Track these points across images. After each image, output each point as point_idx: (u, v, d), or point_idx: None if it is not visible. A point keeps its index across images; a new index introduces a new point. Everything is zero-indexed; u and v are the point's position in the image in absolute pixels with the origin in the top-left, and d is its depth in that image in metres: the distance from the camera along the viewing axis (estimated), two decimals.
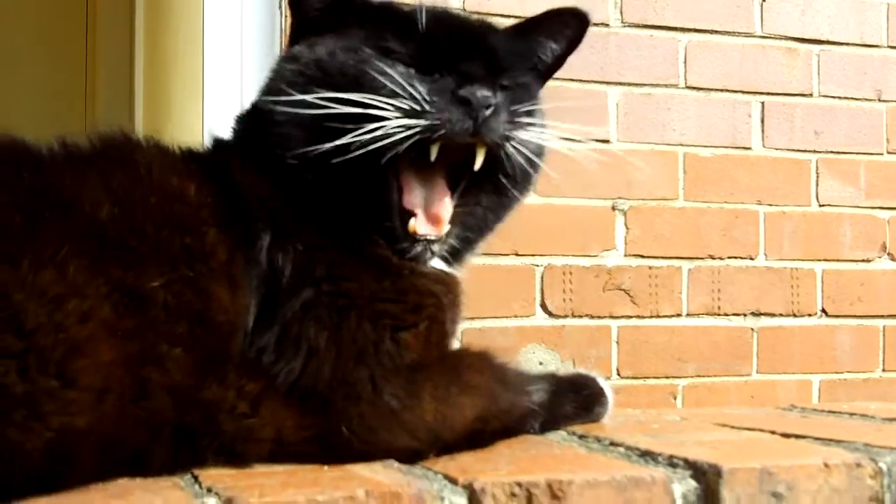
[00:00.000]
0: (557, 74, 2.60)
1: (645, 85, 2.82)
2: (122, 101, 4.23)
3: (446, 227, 1.50)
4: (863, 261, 3.01)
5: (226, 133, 1.61)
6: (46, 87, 4.79)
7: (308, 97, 1.38)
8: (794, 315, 2.93)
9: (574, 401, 1.66)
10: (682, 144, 2.85)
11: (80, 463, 1.15)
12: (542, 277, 2.67)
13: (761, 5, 2.94)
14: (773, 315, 2.90)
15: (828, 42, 3.00)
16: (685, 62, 2.87)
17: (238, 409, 1.28)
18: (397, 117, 1.35)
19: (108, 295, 1.17)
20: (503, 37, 1.58)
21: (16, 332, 1.10)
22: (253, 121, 1.52)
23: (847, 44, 3.02)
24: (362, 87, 1.38)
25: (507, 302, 2.63)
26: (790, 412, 1.87)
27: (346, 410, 1.31)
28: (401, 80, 1.38)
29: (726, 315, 2.86)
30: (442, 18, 1.53)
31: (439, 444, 1.36)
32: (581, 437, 1.49)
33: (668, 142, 2.84)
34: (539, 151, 1.57)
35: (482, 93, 1.39)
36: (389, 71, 1.40)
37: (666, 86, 2.85)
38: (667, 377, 2.78)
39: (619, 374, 2.74)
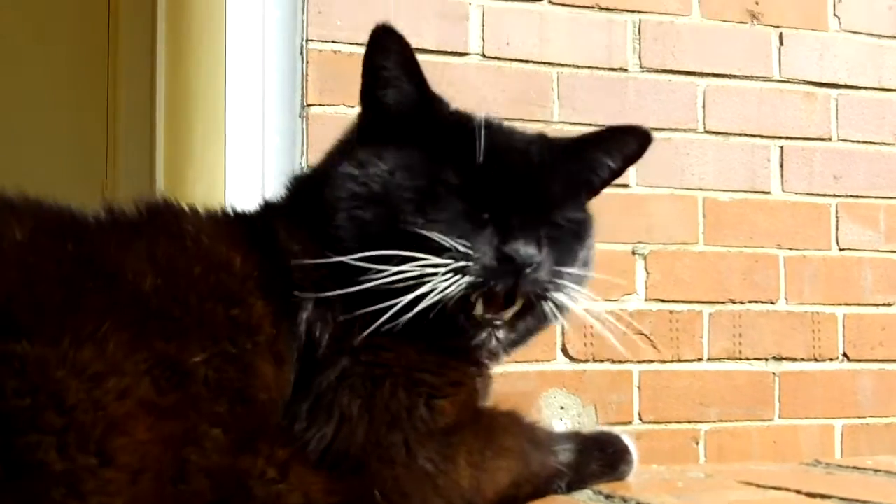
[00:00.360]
0: (576, 119, 2.65)
1: (664, 129, 2.85)
2: (143, 149, 4.31)
3: (509, 312, 1.48)
4: (884, 304, 3.02)
5: (275, 192, 1.62)
6: (69, 133, 4.92)
7: (364, 255, 1.36)
8: (816, 359, 2.94)
9: (599, 459, 1.65)
10: (701, 189, 2.87)
11: None
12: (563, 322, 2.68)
13: (779, 50, 2.98)
14: (794, 360, 2.92)
15: (846, 86, 3.04)
16: (704, 107, 2.90)
17: (267, 474, 1.27)
18: (444, 273, 1.35)
19: (148, 371, 1.17)
20: (559, 162, 1.56)
21: (56, 408, 1.10)
22: (308, 196, 1.51)
23: (865, 88, 3.06)
24: (412, 240, 1.37)
25: (528, 346, 2.63)
26: (814, 468, 1.88)
27: (381, 474, 1.31)
28: (450, 232, 1.38)
29: (748, 360, 2.87)
30: (499, 144, 1.49)
31: None
32: (607, 496, 1.50)
33: (687, 186, 2.87)
34: (579, 290, 1.56)
35: (526, 250, 1.39)
36: (440, 217, 1.40)
37: (685, 130, 2.88)
38: (689, 422, 2.79)
39: (640, 419, 2.75)
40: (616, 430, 1.81)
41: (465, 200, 1.42)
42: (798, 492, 1.50)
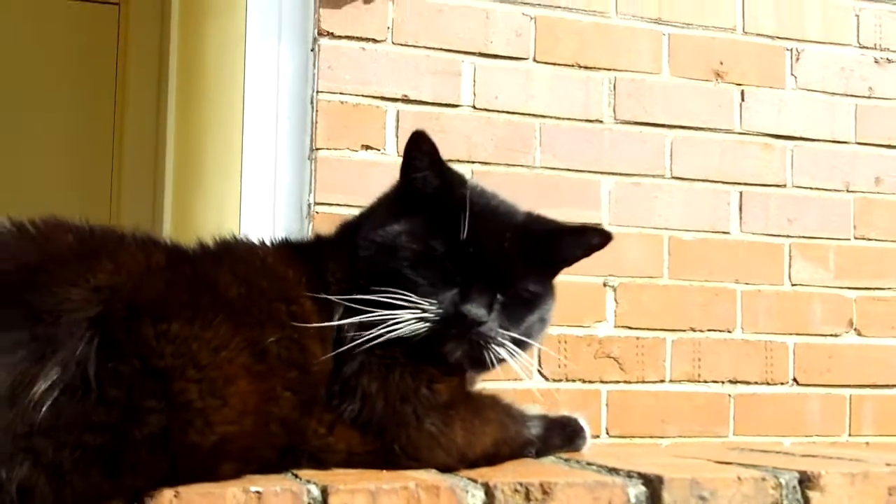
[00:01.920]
0: (556, 165, 2.92)
1: (634, 175, 3.11)
2: (147, 184, 4.51)
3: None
4: (831, 335, 3.27)
5: (325, 231, 2.08)
6: (74, 172, 5.04)
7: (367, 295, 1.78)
8: (768, 383, 3.19)
9: (561, 435, 2.07)
10: (667, 228, 3.13)
11: (229, 462, 1.58)
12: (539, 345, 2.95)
13: (741, 105, 3.23)
14: (748, 383, 3.17)
15: (801, 138, 3.28)
16: (671, 155, 3.16)
17: (319, 431, 1.72)
18: (414, 315, 1.77)
19: (243, 348, 1.61)
20: (529, 246, 1.91)
21: (195, 367, 1.54)
22: (349, 234, 1.94)
23: (818, 140, 3.30)
24: (402, 284, 1.79)
25: (506, 366, 2.91)
26: (733, 451, 2.23)
27: (398, 434, 1.74)
28: (426, 288, 1.80)
29: (706, 382, 3.13)
30: (480, 226, 1.86)
31: (466, 462, 1.78)
32: (566, 459, 1.90)
33: (654, 226, 3.12)
34: (518, 350, 1.92)
35: (477, 311, 1.79)
36: (422, 280, 1.81)
37: (653, 176, 3.13)
38: (651, 437, 3.05)
39: (608, 433, 3.01)
40: (575, 414, 2.15)
41: (445, 265, 1.82)
42: (710, 460, 1.87)
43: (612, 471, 1.66)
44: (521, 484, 1.53)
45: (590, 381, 3.01)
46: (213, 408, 1.54)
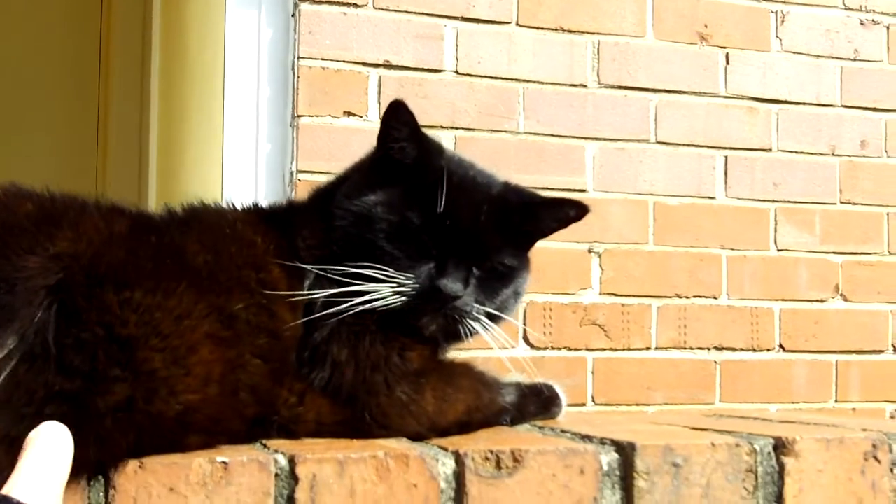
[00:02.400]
0: (540, 130, 2.90)
1: (619, 140, 3.09)
2: (133, 152, 4.50)
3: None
4: (817, 301, 3.26)
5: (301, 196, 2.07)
6: (59, 139, 5.03)
7: (343, 266, 1.75)
8: (754, 350, 3.19)
9: (536, 402, 2.03)
10: (652, 194, 3.11)
11: (196, 433, 1.54)
12: (524, 313, 2.94)
13: (725, 68, 3.22)
14: (734, 349, 3.16)
15: (786, 102, 3.27)
16: (656, 120, 3.14)
17: (290, 401, 1.69)
18: (391, 288, 1.74)
19: (209, 315, 1.57)
20: (506, 217, 1.89)
21: (157, 335, 1.50)
22: (322, 201, 1.89)
23: (804, 103, 3.29)
24: (378, 256, 1.77)
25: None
26: (711, 417, 2.22)
27: (368, 403, 1.70)
28: (403, 261, 1.77)
29: (691, 349, 3.12)
30: (457, 198, 1.83)
31: (437, 430, 1.74)
32: (540, 427, 1.86)
33: (639, 191, 3.10)
34: (491, 324, 1.89)
35: (453, 286, 1.76)
36: (398, 252, 1.77)
37: (638, 141, 3.12)
38: (637, 404, 3.05)
39: (593, 401, 3.01)
40: (551, 381, 2.11)
41: (421, 238, 1.79)
42: (686, 426, 1.86)
43: (586, 438, 1.64)
44: (491, 451, 1.51)
45: (575, 349, 3.00)
46: (177, 376, 1.51)
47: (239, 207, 1.88)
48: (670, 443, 1.58)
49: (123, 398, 1.44)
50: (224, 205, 1.87)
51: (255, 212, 1.89)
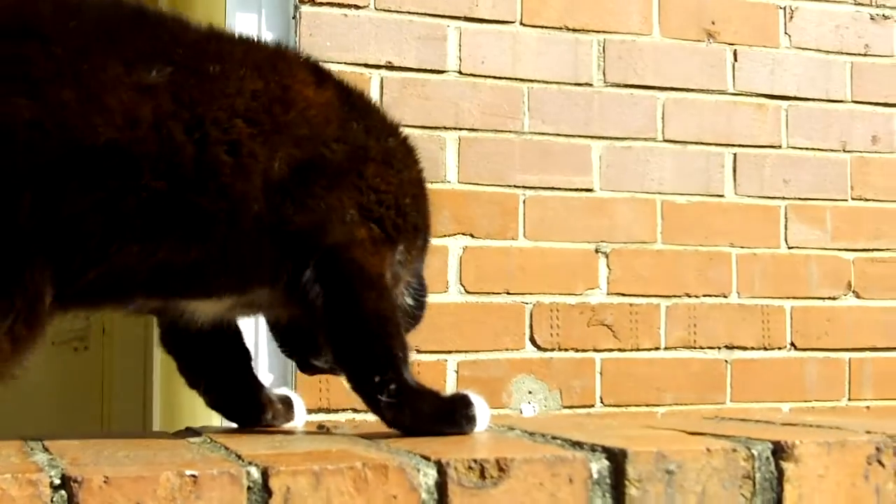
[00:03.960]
0: (545, 130, 2.87)
1: (626, 139, 3.07)
2: None
3: None
4: (829, 298, 3.23)
5: None
6: None
7: None
8: (765, 348, 3.15)
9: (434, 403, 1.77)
10: (660, 193, 3.08)
11: None
12: (531, 314, 2.92)
13: (733, 65, 3.18)
14: (745, 348, 3.13)
15: (795, 98, 3.23)
16: (663, 118, 3.11)
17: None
18: None
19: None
20: None
21: (75, 77, 1.47)
22: None
23: (813, 99, 3.25)
24: None
25: (499, 336, 2.89)
26: (711, 420, 2.18)
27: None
28: None
29: (702, 348, 3.09)
30: None
31: None
32: (530, 433, 1.79)
33: (647, 190, 3.07)
34: None
35: None
36: None
37: (645, 139, 3.09)
38: (647, 405, 3.02)
39: (602, 403, 2.98)
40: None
41: None
42: (683, 431, 1.81)
43: (576, 444, 1.60)
44: (475, 461, 1.44)
45: (583, 350, 2.98)
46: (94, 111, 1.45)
47: None
48: (663, 449, 1.54)
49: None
50: None
51: None
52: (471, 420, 1.72)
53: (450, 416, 1.72)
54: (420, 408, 1.68)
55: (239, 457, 1.49)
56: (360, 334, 1.65)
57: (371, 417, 1.72)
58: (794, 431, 1.79)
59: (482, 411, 1.74)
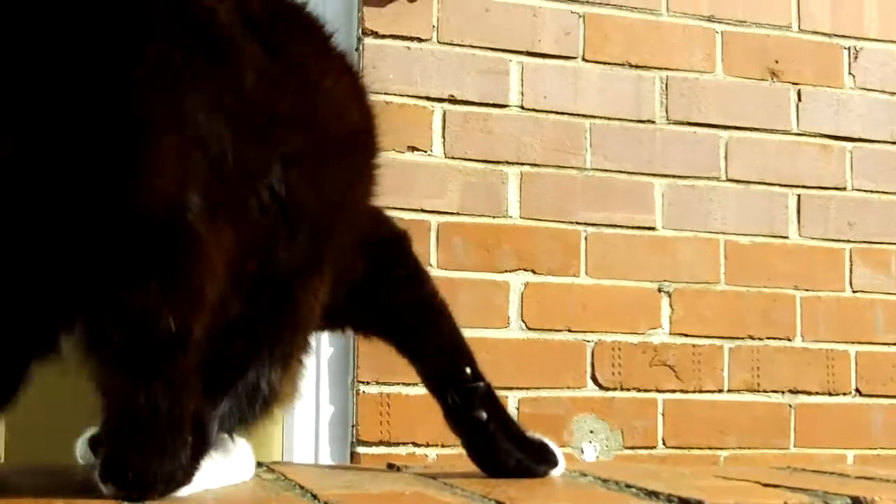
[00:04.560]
0: (607, 166, 2.84)
1: (689, 177, 3.03)
2: None
3: None
4: (895, 343, 3.17)
5: None
6: None
7: None
8: (830, 393, 3.09)
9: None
10: (723, 232, 3.04)
11: None
12: (592, 352, 2.87)
13: (797, 105, 3.15)
14: (809, 393, 3.07)
15: (860, 139, 3.19)
16: (726, 157, 3.07)
17: None
18: None
19: None
20: None
21: None
22: None
23: (878, 141, 3.21)
24: None
25: (560, 374, 2.84)
26: (783, 470, 2.11)
27: None
28: None
29: (765, 392, 3.03)
30: None
31: None
32: (604, 480, 1.73)
33: (710, 229, 3.03)
34: None
35: None
36: None
37: (708, 178, 3.05)
38: (710, 448, 2.96)
39: (664, 444, 2.92)
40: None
41: None
42: (758, 482, 1.74)
43: (652, 494, 1.54)
44: None
45: (645, 390, 2.92)
46: None
47: None
48: (741, 501, 1.49)
49: None
50: None
51: None
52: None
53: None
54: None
55: (315, 497, 1.45)
56: None
57: (432, 453, 1.69)
58: (871, 486, 1.74)
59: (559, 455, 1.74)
